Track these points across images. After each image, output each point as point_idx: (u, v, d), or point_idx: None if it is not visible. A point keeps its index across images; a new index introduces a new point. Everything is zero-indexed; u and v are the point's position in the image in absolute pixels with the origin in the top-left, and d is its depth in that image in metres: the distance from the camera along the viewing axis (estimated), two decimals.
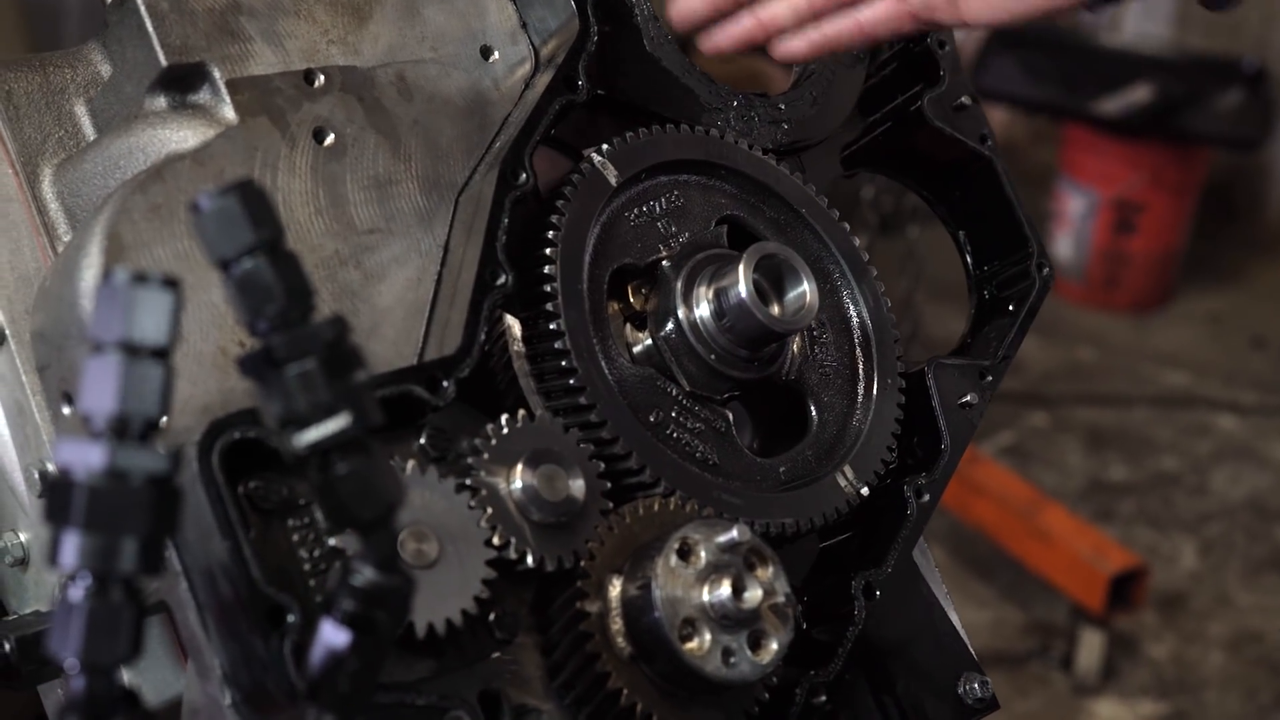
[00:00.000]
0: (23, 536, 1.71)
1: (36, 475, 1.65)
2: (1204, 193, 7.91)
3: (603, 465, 1.66)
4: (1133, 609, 5.19)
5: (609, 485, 1.66)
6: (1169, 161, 7.64)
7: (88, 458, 1.15)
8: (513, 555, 1.58)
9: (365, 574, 1.27)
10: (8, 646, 1.61)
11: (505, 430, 1.62)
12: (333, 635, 1.28)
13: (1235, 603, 5.63)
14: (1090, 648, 5.15)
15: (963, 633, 1.89)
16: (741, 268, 1.74)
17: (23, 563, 1.71)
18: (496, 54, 1.83)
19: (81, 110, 1.76)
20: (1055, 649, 5.29)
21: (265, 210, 1.24)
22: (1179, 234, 7.84)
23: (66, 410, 1.54)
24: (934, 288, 5.99)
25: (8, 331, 1.67)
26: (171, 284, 1.18)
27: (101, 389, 1.16)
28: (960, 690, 1.85)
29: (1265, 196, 8.67)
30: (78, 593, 1.16)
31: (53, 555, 1.16)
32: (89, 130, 1.76)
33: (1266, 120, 7.81)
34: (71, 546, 1.15)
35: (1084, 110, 7.78)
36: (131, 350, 1.16)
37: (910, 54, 2.08)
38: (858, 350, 1.91)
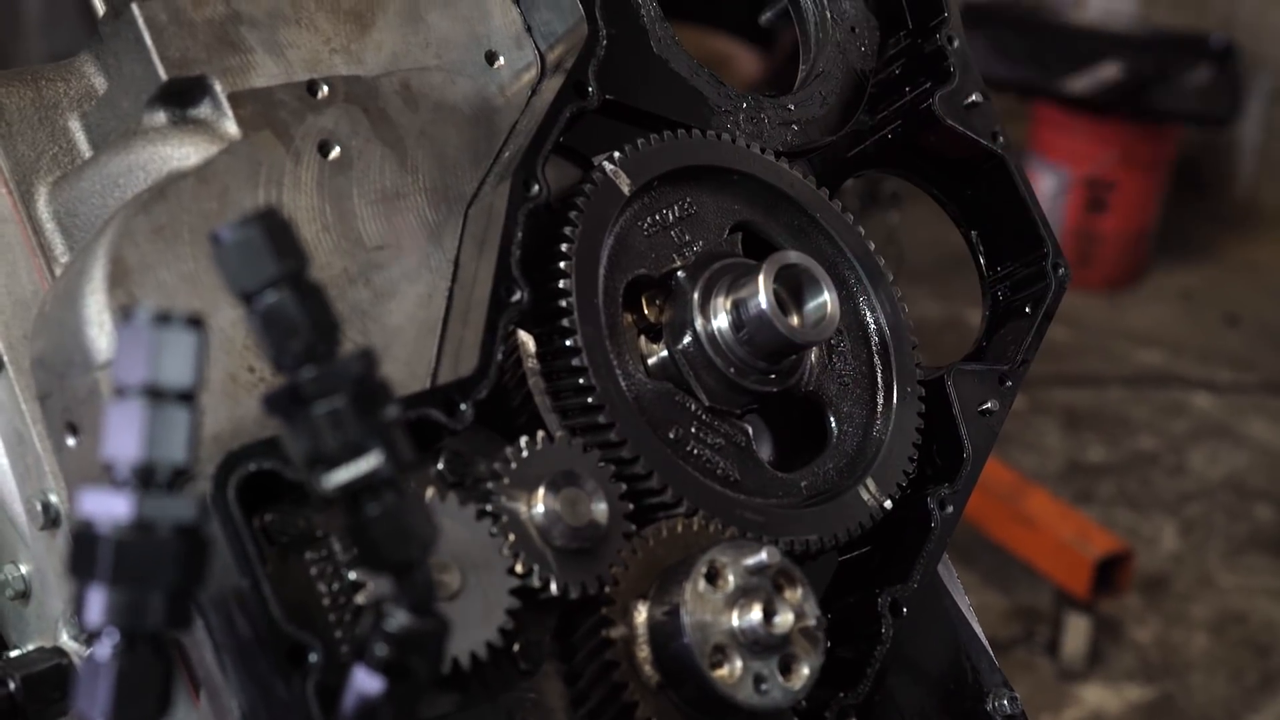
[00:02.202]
0: (23, 569, 1.65)
1: (39, 506, 1.59)
2: (1174, 169, 7.91)
3: (624, 486, 1.61)
4: (1117, 593, 5.18)
5: (631, 507, 1.61)
6: (1139, 139, 7.64)
7: (113, 509, 1.09)
8: (536, 583, 1.53)
9: (398, 618, 1.22)
10: (13, 685, 1.56)
11: (525, 453, 1.57)
12: (366, 682, 1.22)
13: (1217, 583, 5.62)
14: (1076, 633, 5.14)
15: (988, 647, 1.85)
16: (761, 278, 1.69)
17: (23, 596, 1.65)
18: (501, 59, 1.77)
19: (76, 126, 1.70)
20: (1040, 634, 5.28)
21: (289, 240, 1.18)
22: (1150, 211, 7.84)
23: (71, 441, 1.48)
24: (906, 271, 5.95)
25: (5, 358, 1.60)
26: (196, 323, 1.12)
27: (125, 435, 1.10)
28: (989, 707, 1.81)
29: (1235, 172, 8.67)
30: (105, 651, 1.10)
31: (78, 611, 1.10)
32: (84, 146, 1.69)
33: (1235, 96, 7.81)
34: (98, 603, 1.09)
35: (1053, 88, 7.78)
36: (156, 394, 1.11)
37: (920, 51, 2.03)
38: (876, 358, 1.86)
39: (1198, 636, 5.35)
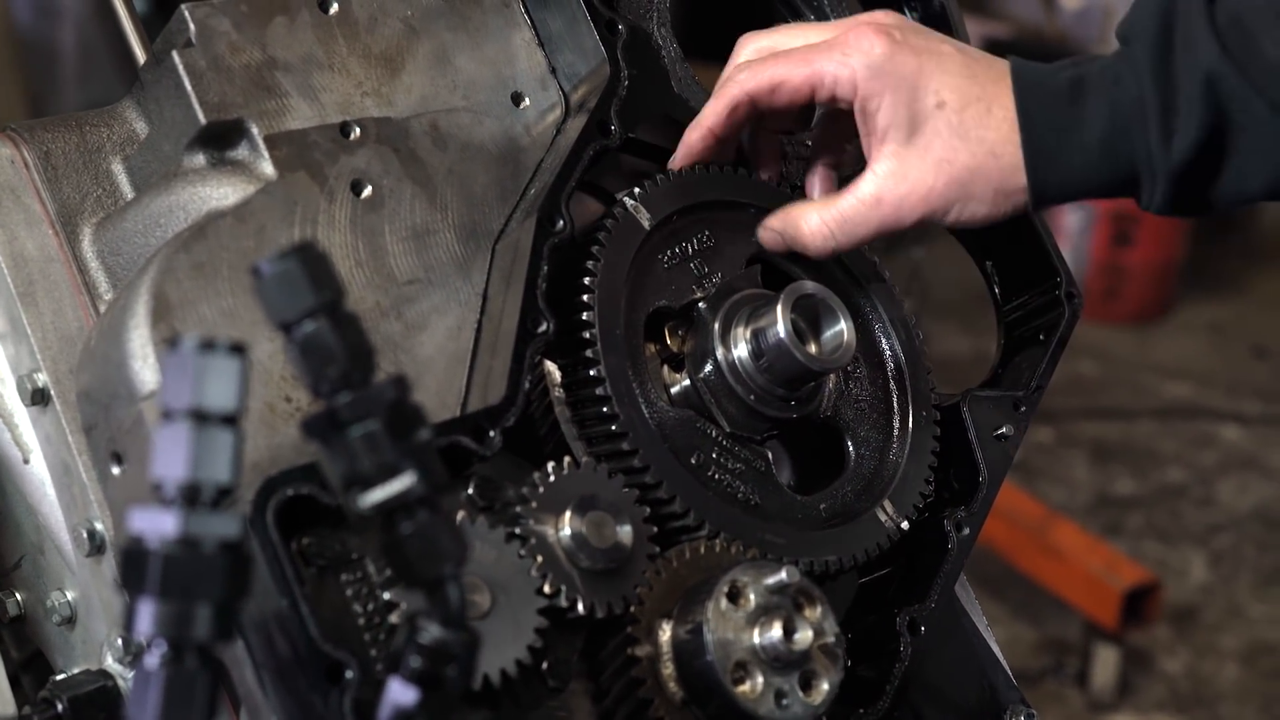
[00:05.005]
0: (70, 595, 1.71)
1: (84, 534, 1.65)
2: None
3: (648, 510, 1.67)
4: (1146, 624, 5.20)
5: (655, 530, 1.67)
6: None
7: (160, 526, 1.16)
8: (563, 603, 1.59)
9: (431, 631, 1.28)
10: (60, 707, 1.62)
11: (552, 478, 1.62)
12: (400, 693, 1.28)
13: (1247, 614, 5.64)
14: (1105, 664, 5.15)
15: (1005, 665, 1.90)
16: (779, 308, 1.75)
17: (70, 621, 1.71)
18: (527, 100, 1.84)
19: (119, 168, 1.77)
20: (1069, 666, 5.30)
21: (326, 272, 1.25)
22: (1177, 245, 7.86)
23: (115, 470, 1.55)
24: (934, 306, 6.01)
25: (52, 392, 1.67)
26: (238, 350, 1.18)
27: (172, 457, 1.16)
28: None
29: (1262, 205, 8.69)
30: (153, 660, 1.16)
31: (128, 623, 1.17)
32: (127, 188, 1.76)
33: None
34: (147, 614, 1.16)
35: None
36: (201, 417, 1.17)
37: None
38: (891, 384, 1.92)
39: (1228, 667, 5.37)
